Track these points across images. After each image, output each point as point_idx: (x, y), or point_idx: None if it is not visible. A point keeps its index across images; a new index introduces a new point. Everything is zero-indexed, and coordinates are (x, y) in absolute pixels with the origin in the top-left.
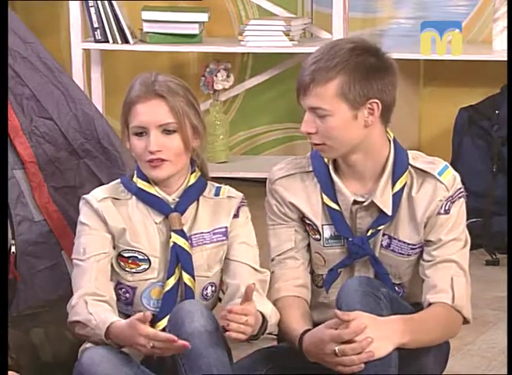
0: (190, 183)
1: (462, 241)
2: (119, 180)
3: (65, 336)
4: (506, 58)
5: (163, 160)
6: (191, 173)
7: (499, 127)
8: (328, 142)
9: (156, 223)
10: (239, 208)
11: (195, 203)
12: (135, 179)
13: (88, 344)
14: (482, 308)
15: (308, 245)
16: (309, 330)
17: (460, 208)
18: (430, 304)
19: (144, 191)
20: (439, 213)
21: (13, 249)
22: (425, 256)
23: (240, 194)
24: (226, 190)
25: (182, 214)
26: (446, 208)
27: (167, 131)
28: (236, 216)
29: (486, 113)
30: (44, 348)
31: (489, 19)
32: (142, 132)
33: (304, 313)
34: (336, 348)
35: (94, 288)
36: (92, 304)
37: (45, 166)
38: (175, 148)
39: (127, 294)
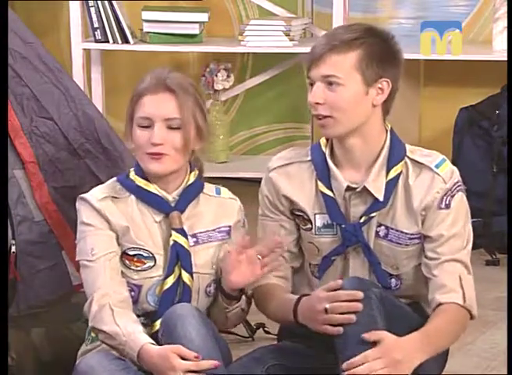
0: (189, 182)
1: (464, 237)
2: (115, 179)
3: (65, 336)
4: (506, 58)
5: (163, 154)
6: (190, 172)
7: (499, 127)
8: (334, 114)
9: (156, 222)
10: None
11: (195, 201)
12: (133, 176)
13: (88, 346)
14: (482, 308)
15: (296, 240)
16: (304, 295)
17: (459, 202)
18: (440, 304)
19: (143, 189)
20: (440, 208)
21: (13, 249)
22: (429, 254)
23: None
24: (226, 191)
25: (182, 212)
26: (447, 202)
27: (171, 127)
28: (239, 221)
29: (486, 113)
30: (44, 348)
31: (489, 19)
32: (147, 125)
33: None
34: (327, 305)
35: (112, 288)
36: (118, 313)
37: (45, 166)
38: (176, 144)
39: (132, 293)
